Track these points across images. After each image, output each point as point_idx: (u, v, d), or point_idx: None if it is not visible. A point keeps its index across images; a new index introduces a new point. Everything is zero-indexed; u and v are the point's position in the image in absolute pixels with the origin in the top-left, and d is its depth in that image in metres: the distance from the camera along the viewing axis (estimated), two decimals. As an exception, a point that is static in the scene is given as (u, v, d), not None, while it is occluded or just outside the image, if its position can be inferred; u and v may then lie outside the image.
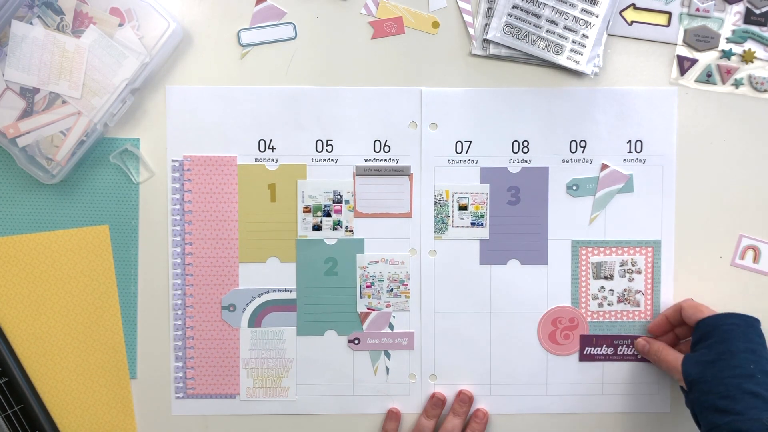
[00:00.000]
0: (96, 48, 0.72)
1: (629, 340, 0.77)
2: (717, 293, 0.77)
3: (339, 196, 0.77)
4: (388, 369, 0.78)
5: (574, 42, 0.74)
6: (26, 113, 0.72)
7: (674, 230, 0.77)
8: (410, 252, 0.77)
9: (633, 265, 0.77)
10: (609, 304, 0.77)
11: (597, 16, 0.74)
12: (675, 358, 0.70)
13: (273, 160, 0.76)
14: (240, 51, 0.76)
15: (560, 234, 0.77)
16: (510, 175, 0.77)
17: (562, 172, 0.77)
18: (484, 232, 0.77)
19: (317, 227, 0.77)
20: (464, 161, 0.77)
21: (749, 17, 0.75)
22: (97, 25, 0.72)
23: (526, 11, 0.74)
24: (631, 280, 0.77)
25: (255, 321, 0.77)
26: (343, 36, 0.76)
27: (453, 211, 0.77)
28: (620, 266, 0.77)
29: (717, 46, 0.75)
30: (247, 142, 0.76)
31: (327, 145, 0.76)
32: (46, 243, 0.76)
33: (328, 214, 0.77)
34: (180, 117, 0.76)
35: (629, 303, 0.77)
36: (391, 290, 0.77)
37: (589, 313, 0.77)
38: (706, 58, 0.76)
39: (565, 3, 0.74)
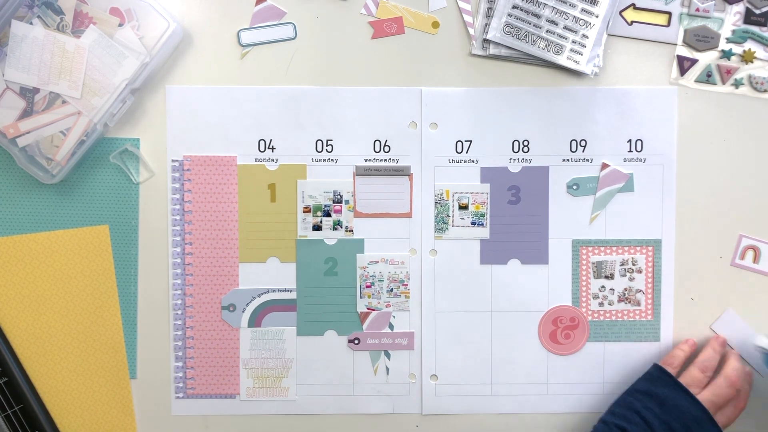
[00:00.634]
0: (96, 48, 0.72)
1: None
2: (717, 293, 0.77)
3: (339, 196, 0.77)
4: (388, 369, 0.78)
5: (574, 42, 0.75)
6: (26, 113, 0.72)
7: (674, 230, 0.77)
8: (410, 252, 0.77)
9: (633, 265, 0.77)
10: (609, 304, 0.77)
11: (597, 16, 0.74)
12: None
13: (273, 160, 0.76)
14: (240, 51, 0.76)
15: (561, 233, 0.77)
16: (510, 175, 0.77)
17: (562, 171, 0.77)
18: (484, 232, 0.77)
19: (317, 227, 0.77)
20: (464, 161, 0.77)
21: (749, 17, 0.75)
22: (97, 25, 0.72)
23: (526, 11, 0.74)
24: (631, 279, 0.77)
25: (255, 321, 0.77)
26: (343, 36, 0.76)
27: (453, 211, 0.77)
28: (621, 265, 0.77)
29: (717, 46, 0.76)
30: (247, 142, 0.76)
31: (327, 145, 0.76)
32: (46, 243, 0.76)
33: (328, 214, 0.77)
34: (180, 117, 0.76)
35: (630, 302, 0.77)
36: (391, 290, 0.77)
37: (589, 313, 0.77)
38: (706, 58, 0.76)
39: (565, 3, 0.74)
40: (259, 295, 0.77)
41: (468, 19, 0.75)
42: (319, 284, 0.77)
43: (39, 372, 0.76)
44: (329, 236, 0.77)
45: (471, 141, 0.76)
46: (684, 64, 0.76)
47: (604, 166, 0.76)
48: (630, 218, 0.77)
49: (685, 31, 0.76)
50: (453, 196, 0.77)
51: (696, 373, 0.72)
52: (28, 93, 0.72)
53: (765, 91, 0.76)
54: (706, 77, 0.76)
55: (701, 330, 0.77)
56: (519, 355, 0.78)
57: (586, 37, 0.75)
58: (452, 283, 0.77)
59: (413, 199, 0.77)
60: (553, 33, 0.74)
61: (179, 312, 0.77)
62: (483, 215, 0.77)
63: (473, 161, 0.77)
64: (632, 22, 0.76)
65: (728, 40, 0.75)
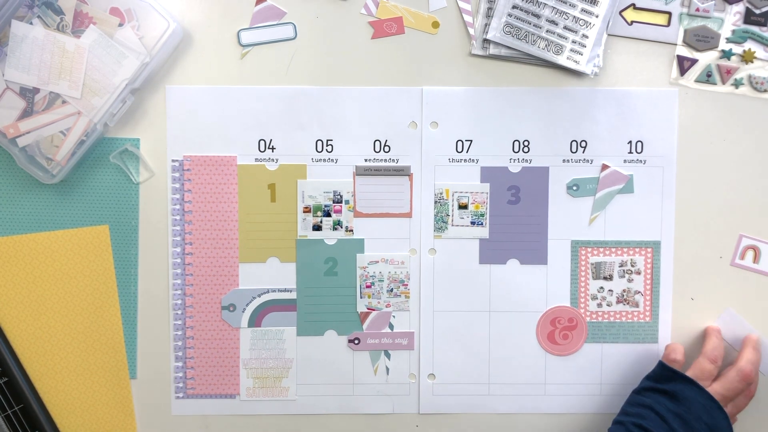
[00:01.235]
0: (96, 48, 0.72)
1: None
2: (717, 293, 0.77)
3: (339, 196, 0.77)
4: (388, 369, 0.78)
5: (574, 42, 0.74)
6: (26, 113, 0.72)
7: (674, 231, 0.77)
8: (410, 252, 0.77)
9: (632, 266, 0.77)
10: (608, 305, 0.77)
11: (597, 16, 0.74)
12: None
13: (273, 160, 0.76)
14: (240, 51, 0.76)
15: (560, 234, 0.77)
16: (510, 175, 0.77)
17: (562, 172, 0.77)
18: (483, 232, 0.77)
19: (317, 227, 0.77)
20: (465, 160, 0.77)
21: (749, 17, 0.75)
22: (97, 25, 0.72)
23: (526, 11, 0.74)
24: (630, 280, 0.77)
25: (255, 321, 0.77)
26: (343, 36, 0.76)
27: (453, 210, 0.77)
28: (620, 267, 0.77)
29: (717, 46, 0.75)
30: (247, 142, 0.76)
31: (327, 145, 0.76)
32: (46, 243, 0.76)
33: (328, 214, 0.77)
34: (180, 117, 0.76)
35: (628, 304, 0.77)
36: (391, 290, 0.77)
37: (588, 314, 0.77)
38: (706, 58, 0.76)
39: (565, 3, 0.74)
40: (259, 295, 0.77)
41: (468, 19, 0.75)
42: (319, 284, 0.77)
43: (39, 372, 0.76)
44: (329, 236, 0.77)
45: (471, 141, 0.76)
46: (684, 64, 0.76)
47: (604, 167, 0.76)
48: (629, 220, 0.77)
49: (685, 31, 0.75)
50: (453, 195, 0.77)
51: (706, 364, 0.71)
52: (28, 93, 0.72)
53: (765, 91, 0.76)
54: (706, 77, 0.76)
55: (701, 330, 0.77)
56: (517, 356, 0.78)
57: (586, 37, 0.74)
58: (451, 283, 0.77)
59: (413, 199, 0.77)
60: (553, 33, 0.74)
61: (179, 312, 0.77)
62: (482, 215, 0.77)
63: (473, 161, 0.77)
64: (632, 22, 0.76)
65: (728, 40, 0.75)
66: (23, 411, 0.75)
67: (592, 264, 0.77)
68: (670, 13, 0.75)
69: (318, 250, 0.77)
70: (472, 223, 0.77)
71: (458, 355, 0.78)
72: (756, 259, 0.77)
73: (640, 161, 0.76)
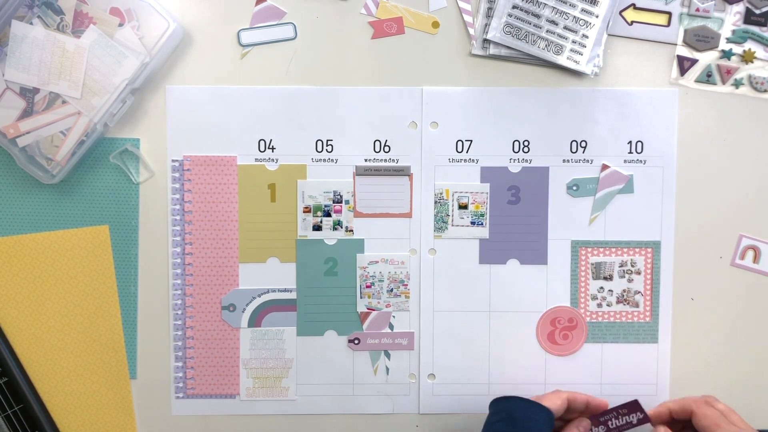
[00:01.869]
0: (96, 48, 0.72)
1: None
2: (717, 293, 0.77)
3: (339, 196, 0.77)
4: (388, 369, 0.78)
5: (574, 42, 0.74)
6: (26, 113, 0.72)
7: (674, 231, 0.77)
8: (410, 252, 0.77)
9: (632, 266, 0.77)
10: (608, 305, 0.77)
11: (597, 16, 0.74)
12: None
13: (273, 160, 0.76)
14: (240, 51, 0.76)
15: (560, 234, 0.77)
16: (510, 175, 0.77)
17: (562, 172, 0.77)
18: (483, 232, 0.77)
19: (317, 227, 0.77)
20: (465, 160, 0.77)
21: (749, 17, 0.75)
22: (97, 25, 0.72)
23: (526, 11, 0.74)
24: (630, 280, 0.77)
25: (255, 321, 0.77)
26: (343, 36, 0.76)
27: (453, 210, 0.77)
28: (620, 267, 0.77)
29: (717, 46, 0.75)
30: (247, 142, 0.76)
31: (327, 145, 0.76)
32: (46, 243, 0.76)
33: (328, 214, 0.77)
34: (180, 117, 0.76)
35: (628, 304, 0.77)
36: (391, 290, 0.77)
37: (588, 314, 0.77)
38: (706, 58, 0.76)
39: (565, 3, 0.74)
40: (259, 295, 0.77)
41: (468, 19, 0.75)
42: (319, 284, 0.77)
43: (39, 372, 0.77)
44: (329, 236, 0.77)
45: (471, 141, 0.76)
46: (684, 64, 0.76)
47: (604, 167, 0.76)
48: (629, 220, 0.77)
49: (685, 31, 0.75)
50: (453, 195, 0.77)
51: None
52: (28, 93, 0.72)
53: (765, 91, 0.76)
54: (706, 77, 0.76)
55: (701, 330, 0.77)
56: (517, 356, 0.78)
57: (586, 37, 0.74)
58: (451, 283, 0.77)
59: (413, 199, 0.77)
60: (553, 33, 0.74)
61: (179, 312, 0.77)
62: (482, 215, 0.77)
63: (473, 161, 0.77)
64: (632, 22, 0.76)
65: (728, 40, 0.75)
66: (23, 411, 0.75)
67: (592, 264, 0.77)
68: (670, 13, 0.75)
69: (318, 250, 0.77)
70: (472, 223, 0.77)
71: (458, 355, 0.78)
72: (756, 259, 0.77)
73: (640, 161, 0.76)
